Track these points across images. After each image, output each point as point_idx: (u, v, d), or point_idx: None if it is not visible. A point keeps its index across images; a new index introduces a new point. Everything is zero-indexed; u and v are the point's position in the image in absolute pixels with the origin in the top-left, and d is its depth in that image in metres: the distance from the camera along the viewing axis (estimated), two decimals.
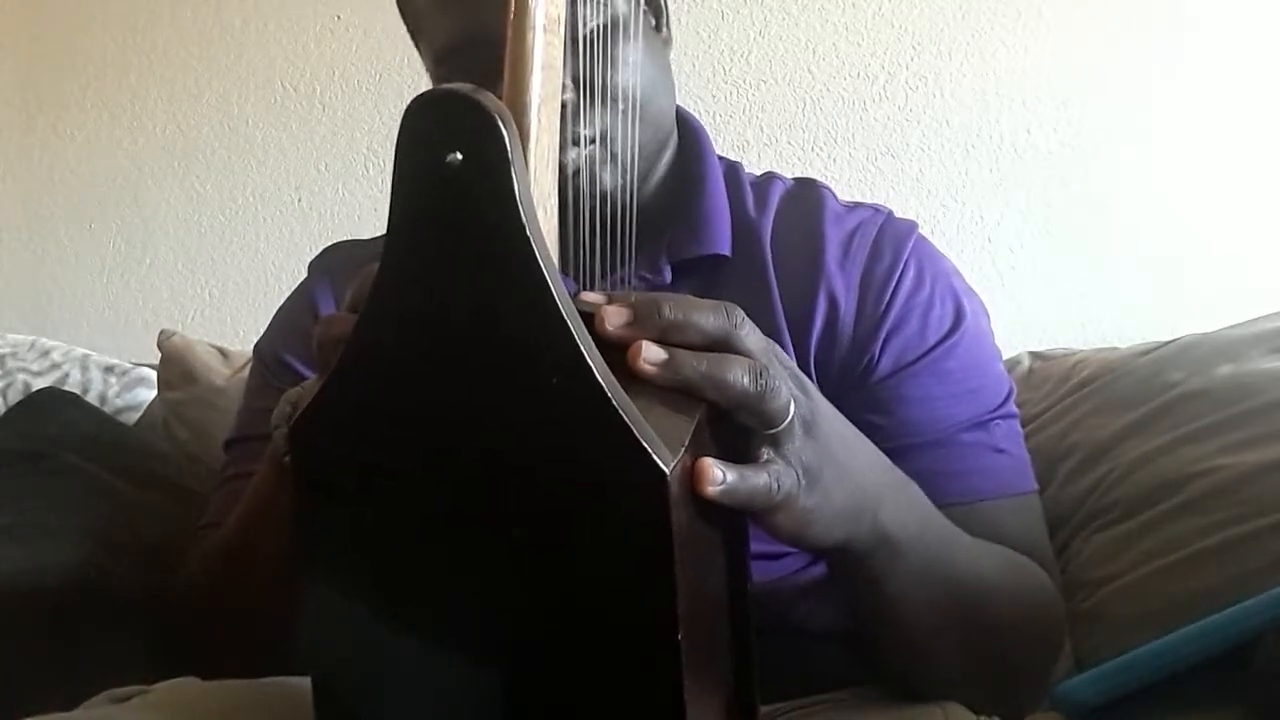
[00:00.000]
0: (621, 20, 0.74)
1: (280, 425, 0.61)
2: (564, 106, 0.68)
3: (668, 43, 0.83)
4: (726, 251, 0.79)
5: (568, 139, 0.70)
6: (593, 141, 0.73)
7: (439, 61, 0.79)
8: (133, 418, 1.27)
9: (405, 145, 0.42)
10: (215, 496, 0.85)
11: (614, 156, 0.73)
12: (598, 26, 0.72)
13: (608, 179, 0.73)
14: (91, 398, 1.25)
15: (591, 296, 0.46)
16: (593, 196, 0.71)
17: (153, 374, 1.33)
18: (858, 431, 0.57)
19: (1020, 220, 1.44)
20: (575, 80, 0.70)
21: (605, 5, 0.73)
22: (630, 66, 0.74)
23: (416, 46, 0.83)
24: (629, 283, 0.75)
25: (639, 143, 0.75)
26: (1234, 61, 1.39)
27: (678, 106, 0.84)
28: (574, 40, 0.68)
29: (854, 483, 0.53)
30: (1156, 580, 0.88)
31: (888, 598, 0.60)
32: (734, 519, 0.49)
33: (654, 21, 0.82)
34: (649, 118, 0.77)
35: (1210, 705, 0.70)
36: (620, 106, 0.73)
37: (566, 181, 0.70)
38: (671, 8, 0.84)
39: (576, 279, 0.69)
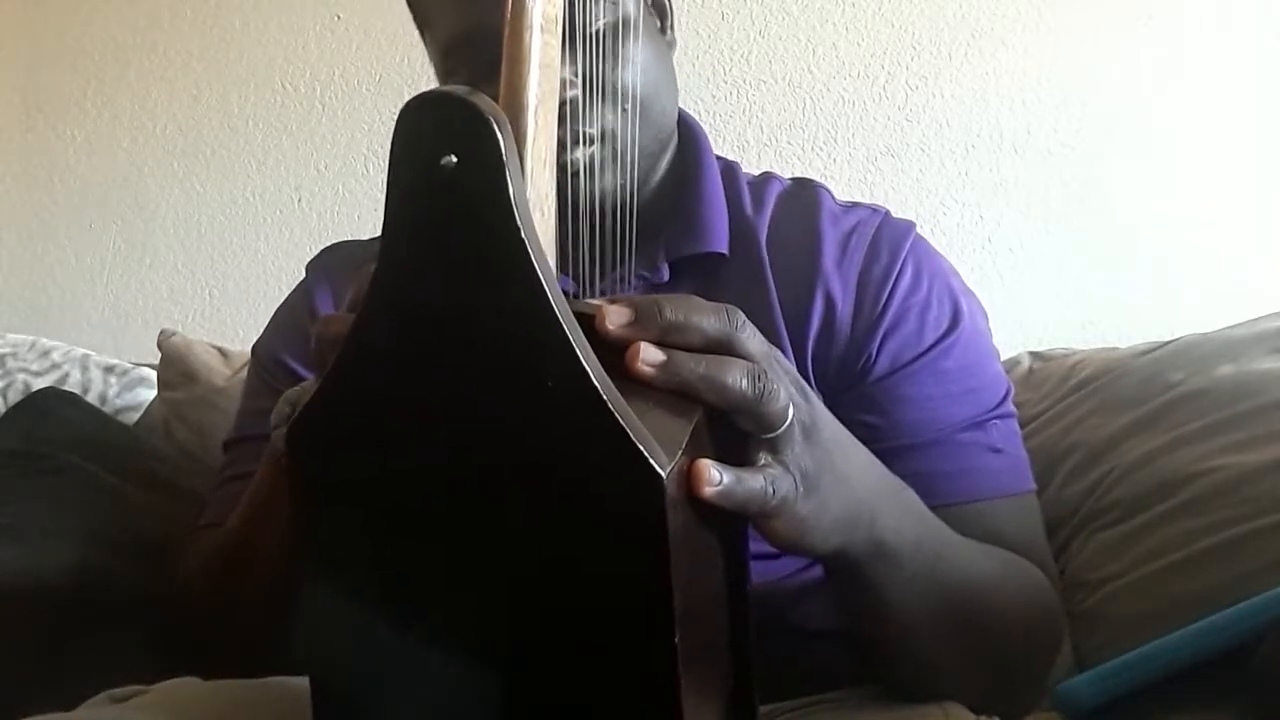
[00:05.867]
0: (629, 20, 0.74)
1: (280, 426, 0.61)
2: (569, 103, 0.68)
3: (672, 45, 0.83)
4: (724, 249, 0.79)
5: (569, 137, 0.70)
6: (594, 141, 0.73)
7: (446, 55, 0.79)
8: (133, 418, 1.27)
9: (400, 147, 0.42)
10: (214, 497, 0.85)
11: (616, 155, 0.73)
12: (605, 25, 0.72)
13: (608, 178, 0.73)
14: (91, 398, 1.25)
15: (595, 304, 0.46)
16: (593, 196, 0.71)
17: (153, 374, 1.33)
18: (855, 439, 0.57)
19: (1020, 220, 1.43)
20: (581, 77, 0.70)
21: (614, 5, 0.73)
22: (636, 66, 0.74)
23: (423, 38, 0.83)
24: (627, 281, 0.75)
25: (641, 143, 0.75)
26: (1234, 61, 1.39)
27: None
28: (581, 38, 0.68)
29: (852, 490, 0.53)
30: (1156, 580, 0.88)
31: (885, 603, 0.60)
32: (732, 521, 0.49)
33: (659, 24, 0.82)
34: (652, 118, 0.77)
35: (1210, 705, 0.70)
36: (624, 106, 0.73)
37: (567, 180, 0.70)
38: (673, 9, 0.84)
39: (575, 277, 0.69)
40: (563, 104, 0.58)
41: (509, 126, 0.42)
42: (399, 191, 0.43)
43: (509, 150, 0.41)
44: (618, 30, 0.73)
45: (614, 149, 0.73)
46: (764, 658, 0.52)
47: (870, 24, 1.45)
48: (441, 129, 0.42)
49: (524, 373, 0.42)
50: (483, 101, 0.41)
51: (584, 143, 0.72)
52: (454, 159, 0.41)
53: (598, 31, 0.70)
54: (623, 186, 0.73)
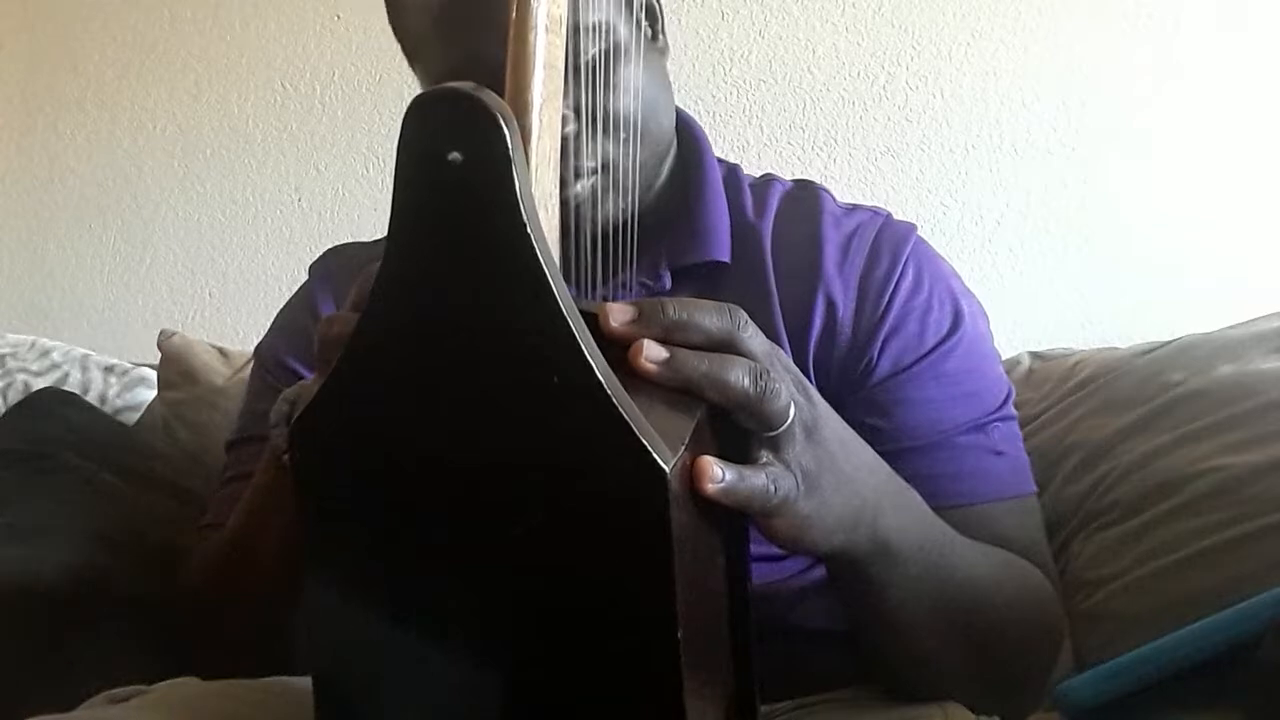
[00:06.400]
0: (621, 45, 0.73)
1: (278, 425, 0.61)
2: (567, 139, 0.68)
3: (665, 51, 0.81)
4: (726, 258, 0.79)
5: (569, 173, 0.70)
6: (594, 172, 0.72)
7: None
8: (133, 418, 1.27)
9: (406, 144, 0.42)
10: (216, 497, 0.85)
11: (616, 182, 0.73)
12: (597, 54, 0.71)
13: (609, 205, 0.72)
14: (91, 398, 1.25)
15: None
16: (595, 223, 0.70)
17: (153, 374, 1.33)
18: (858, 437, 0.57)
19: (1020, 220, 1.44)
20: (576, 110, 0.70)
21: (605, 33, 0.72)
22: (631, 92, 0.73)
23: (412, 68, 0.82)
24: (629, 288, 0.75)
25: (640, 160, 0.75)
26: (1234, 62, 1.39)
27: (676, 108, 0.84)
28: (574, 70, 0.68)
29: (854, 489, 0.53)
30: (1156, 580, 0.88)
31: (887, 603, 0.60)
32: (734, 519, 0.49)
33: (650, 31, 0.80)
34: (650, 139, 0.77)
35: (1210, 705, 0.70)
36: (623, 135, 0.72)
37: (570, 213, 0.69)
38: (671, 8, 0.83)
39: (577, 284, 0.68)
40: (562, 140, 0.56)
41: (515, 123, 0.42)
42: (405, 188, 0.43)
43: (515, 146, 0.41)
44: (610, 57, 0.72)
45: (614, 176, 0.73)
46: (765, 658, 0.52)
47: (870, 24, 1.45)
48: (448, 125, 0.42)
49: (528, 368, 0.42)
50: (489, 98, 0.41)
51: (585, 175, 0.72)
52: (460, 155, 0.41)
53: (590, 61, 0.70)
54: (624, 209, 0.72)
